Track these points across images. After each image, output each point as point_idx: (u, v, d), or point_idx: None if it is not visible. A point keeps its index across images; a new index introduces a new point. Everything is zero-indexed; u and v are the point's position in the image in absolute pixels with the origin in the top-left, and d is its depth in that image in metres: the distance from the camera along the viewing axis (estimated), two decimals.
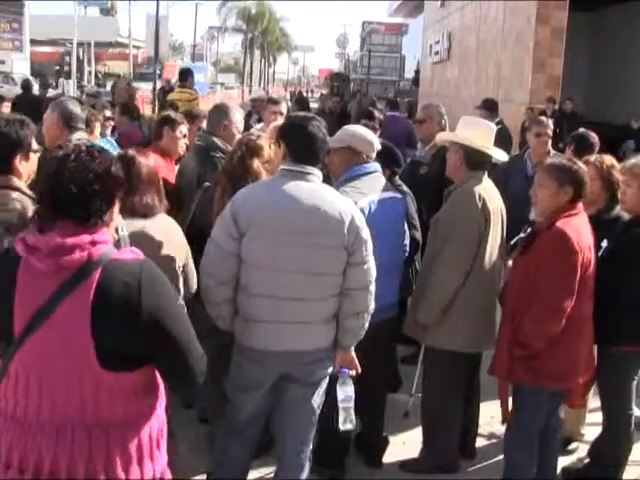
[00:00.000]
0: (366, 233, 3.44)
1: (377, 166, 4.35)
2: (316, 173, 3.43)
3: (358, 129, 4.50)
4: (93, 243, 2.25)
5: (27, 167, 3.53)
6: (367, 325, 3.57)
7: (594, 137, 5.89)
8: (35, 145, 3.60)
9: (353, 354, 3.68)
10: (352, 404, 3.76)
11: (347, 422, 3.73)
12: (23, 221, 3.08)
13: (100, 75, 57.85)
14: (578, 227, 3.81)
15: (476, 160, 4.29)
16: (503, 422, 4.34)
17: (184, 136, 5.32)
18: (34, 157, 3.59)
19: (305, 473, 3.70)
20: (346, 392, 3.73)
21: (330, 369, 3.61)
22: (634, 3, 21.86)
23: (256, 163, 4.14)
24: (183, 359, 2.37)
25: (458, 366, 4.34)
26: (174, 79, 40.97)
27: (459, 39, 25.03)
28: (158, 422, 2.47)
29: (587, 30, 24.87)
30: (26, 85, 14.35)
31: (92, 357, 2.23)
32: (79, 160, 2.27)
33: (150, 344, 2.31)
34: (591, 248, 3.85)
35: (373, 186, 4.23)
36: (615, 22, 23.78)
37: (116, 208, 2.40)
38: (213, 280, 3.37)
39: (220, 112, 5.21)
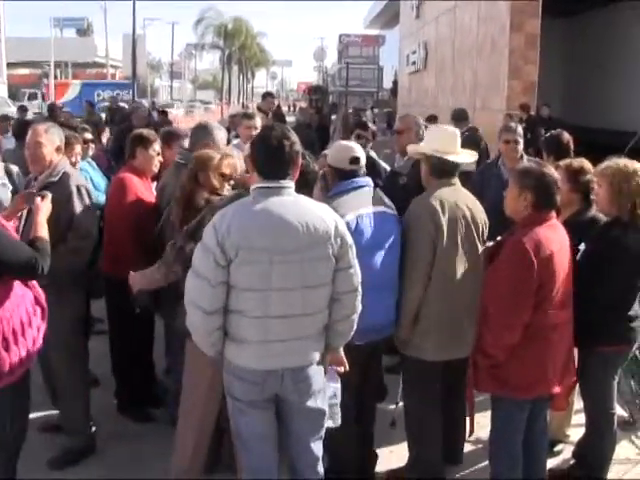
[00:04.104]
0: (349, 238, 3.46)
1: (366, 180, 4.33)
2: (290, 186, 3.38)
3: (336, 144, 4.51)
4: None
5: None
6: (355, 325, 3.59)
7: (565, 137, 5.98)
8: None
9: (342, 353, 3.73)
10: (338, 401, 3.82)
11: (332, 419, 3.77)
12: None
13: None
14: (540, 237, 3.82)
15: (441, 168, 4.36)
16: (469, 435, 4.44)
17: (157, 154, 5.34)
18: None
19: None
20: (333, 390, 3.80)
21: (323, 375, 3.60)
22: (607, 9, 22.18)
23: (207, 175, 4.27)
24: (11, 264, 3.48)
25: (431, 373, 4.35)
26: (65, 98, 39.26)
27: (435, 48, 25.21)
28: (21, 316, 3.58)
29: (562, 36, 25.15)
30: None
31: None
32: None
33: None
34: (557, 257, 3.85)
35: (360, 201, 4.19)
36: (589, 27, 24.07)
37: None
38: (203, 312, 3.30)
39: (202, 131, 5.26)
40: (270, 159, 3.37)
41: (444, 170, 4.36)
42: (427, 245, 4.18)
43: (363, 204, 4.18)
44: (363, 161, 4.36)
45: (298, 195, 3.43)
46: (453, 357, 4.37)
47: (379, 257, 4.17)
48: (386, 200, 4.36)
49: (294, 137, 3.43)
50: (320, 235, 3.32)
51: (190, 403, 4.20)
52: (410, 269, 4.23)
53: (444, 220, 4.18)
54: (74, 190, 4.63)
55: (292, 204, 3.35)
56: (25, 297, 3.67)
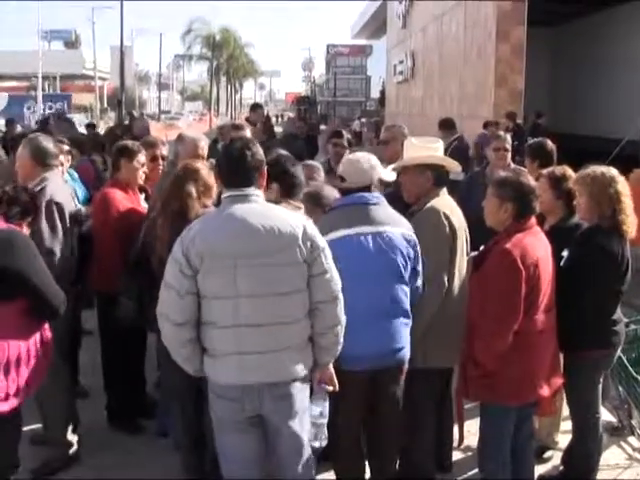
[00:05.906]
0: (322, 241, 3.37)
1: (368, 197, 3.98)
2: (256, 193, 3.38)
3: (351, 155, 4.31)
4: None
5: None
6: (342, 339, 3.45)
7: (549, 144, 5.99)
8: None
9: (332, 370, 3.63)
10: (325, 421, 3.74)
11: (318, 439, 3.70)
12: None
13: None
14: (525, 244, 3.82)
15: (443, 177, 4.38)
16: (459, 444, 4.44)
17: (142, 165, 5.33)
18: None
19: None
20: (321, 408, 3.70)
21: (307, 395, 3.52)
22: (593, 17, 22.35)
23: (190, 186, 4.25)
24: (43, 297, 3.72)
25: (431, 382, 4.36)
26: None
27: (422, 58, 25.31)
28: (20, 351, 3.68)
29: (548, 44, 25.32)
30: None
31: None
32: (14, 189, 4.02)
33: (16, 286, 3.60)
34: (541, 263, 3.86)
35: (348, 220, 3.91)
36: (575, 36, 24.23)
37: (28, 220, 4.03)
38: (172, 323, 3.30)
39: (178, 141, 5.48)
40: (232, 169, 3.41)
41: (445, 178, 4.39)
42: (446, 255, 4.18)
43: (350, 224, 3.90)
44: (365, 177, 4.03)
45: (267, 203, 3.45)
46: (451, 364, 4.39)
47: (366, 281, 3.87)
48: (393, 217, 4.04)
49: (256, 148, 3.48)
50: (286, 238, 3.27)
51: None
52: (430, 280, 4.14)
53: (456, 228, 4.21)
54: (42, 206, 4.52)
55: (257, 210, 3.34)
56: (32, 335, 3.79)
